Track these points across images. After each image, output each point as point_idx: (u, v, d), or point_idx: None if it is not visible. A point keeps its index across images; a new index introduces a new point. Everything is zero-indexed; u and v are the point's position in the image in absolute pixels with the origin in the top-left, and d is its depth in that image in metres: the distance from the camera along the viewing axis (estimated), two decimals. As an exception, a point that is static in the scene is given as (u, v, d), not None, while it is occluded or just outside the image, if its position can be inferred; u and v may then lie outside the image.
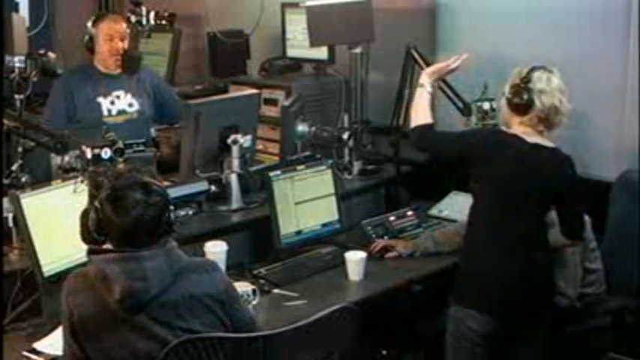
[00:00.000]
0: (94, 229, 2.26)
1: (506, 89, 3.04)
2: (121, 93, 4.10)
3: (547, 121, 2.97)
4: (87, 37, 4.08)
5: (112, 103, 4.07)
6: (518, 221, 2.96)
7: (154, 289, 2.20)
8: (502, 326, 2.96)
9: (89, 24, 4.08)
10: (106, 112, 4.05)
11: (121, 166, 2.93)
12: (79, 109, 4.03)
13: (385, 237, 3.57)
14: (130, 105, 4.10)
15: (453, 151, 3.14)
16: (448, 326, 3.04)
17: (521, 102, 2.96)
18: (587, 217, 3.37)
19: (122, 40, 4.04)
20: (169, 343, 2.16)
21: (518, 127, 3.00)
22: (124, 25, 4.06)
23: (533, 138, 2.98)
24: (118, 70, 4.09)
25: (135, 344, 2.20)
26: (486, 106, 3.63)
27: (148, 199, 2.22)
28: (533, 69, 2.99)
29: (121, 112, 4.08)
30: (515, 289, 2.96)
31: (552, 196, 3.00)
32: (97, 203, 2.24)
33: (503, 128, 3.08)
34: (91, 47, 4.09)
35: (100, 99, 4.05)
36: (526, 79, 2.97)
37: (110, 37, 4.03)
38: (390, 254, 3.46)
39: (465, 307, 2.98)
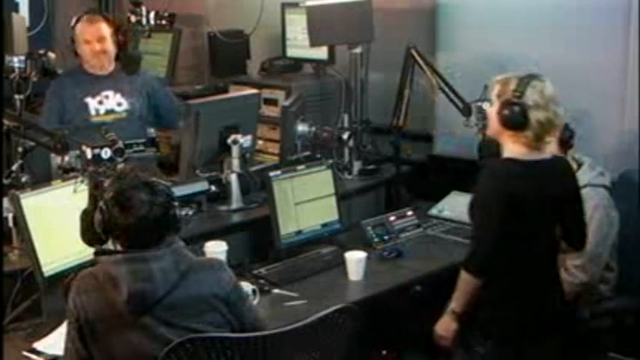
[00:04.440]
0: (100, 230, 2.27)
1: (494, 99, 2.87)
2: (109, 93, 4.07)
3: (544, 135, 2.79)
4: (70, 40, 4.06)
5: (100, 102, 4.05)
6: (537, 246, 2.84)
7: (160, 289, 2.20)
8: (516, 346, 2.87)
9: (71, 26, 4.06)
10: (93, 112, 4.03)
11: (121, 165, 2.93)
12: (68, 110, 4.03)
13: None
14: (119, 104, 4.07)
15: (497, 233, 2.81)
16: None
17: (515, 119, 2.77)
18: (616, 213, 3.37)
19: (100, 41, 4.00)
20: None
21: (512, 146, 2.82)
22: (102, 25, 4.02)
23: (528, 154, 2.81)
24: (103, 71, 4.08)
25: (140, 344, 2.21)
26: (486, 106, 3.61)
27: (153, 199, 2.23)
28: (523, 79, 2.80)
29: (109, 112, 4.05)
30: (533, 312, 2.85)
31: (561, 207, 2.87)
32: (102, 204, 2.25)
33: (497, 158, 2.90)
34: (74, 50, 4.07)
35: (88, 99, 4.03)
36: (518, 93, 2.76)
37: (87, 41, 4.01)
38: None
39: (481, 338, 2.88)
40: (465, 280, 2.85)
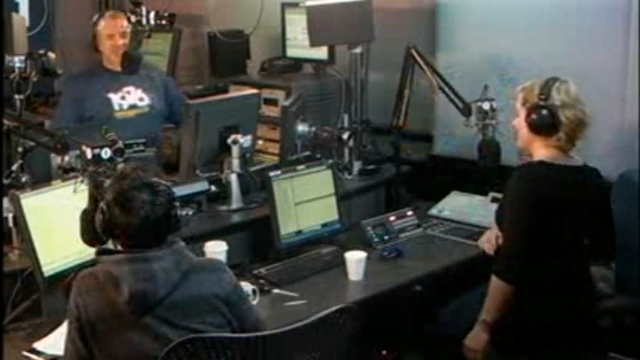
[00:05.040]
0: (101, 230, 2.27)
1: (519, 109, 2.82)
2: (131, 88, 4.15)
3: (575, 137, 2.76)
4: (91, 37, 4.12)
5: (123, 98, 4.14)
6: (567, 251, 2.80)
7: (161, 290, 2.21)
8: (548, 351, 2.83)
9: (92, 23, 4.12)
10: (117, 107, 4.11)
11: (121, 165, 2.93)
12: (89, 107, 4.07)
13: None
14: (141, 99, 4.16)
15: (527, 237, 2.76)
16: None
17: (546, 122, 2.73)
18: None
19: (123, 37, 4.08)
20: None
21: (543, 151, 2.79)
22: (124, 22, 4.09)
23: (560, 159, 2.78)
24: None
25: (141, 344, 2.21)
26: (486, 106, 3.61)
27: (154, 199, 2.23)
28: (547, 82, 2.78)
29: (132, 107, 4.14)
30: (563, 318, 2.82)
31: (588, 216, 2.84)
32: (103, 204, 2.25)
33: (525, 158, 2.86)
34: (95, 46, 4.14)
35: (111, 95, 4.11)
36: (544, 95, 2.74)
37: (110, 36, 4.09)
38: None
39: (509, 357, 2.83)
40: (498, 287, 2.78)
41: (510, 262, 2.78)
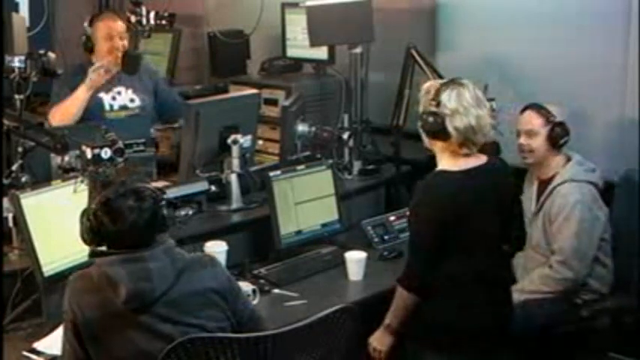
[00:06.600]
0: (90, 237, 2.27)
1: (421, 112, 2.76)
2: (122, 89, 4.14)
3: (469, 141, 2.69)
4: (84, 37, 4.11)
5: (114, 98, 4.12)
6: (481, 256, 2.75)
7: (159, 288, 2.21)
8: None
9: (86, 24, 4.12)
10: (107, 107, 4.09)
11: (121, 165, 2.93)
12: None
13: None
14: (132, 100, 4.14)
15: (433, 245, 2.72)
16: None
17: (434, 128, 2.68)
18: (603, 210, 3.35)
19: (121, 38, 4.08)
20: (174, 339, 2.17)
21: (444, 156, 2.74)
22: (122, 23, 4.09)
23: (461, 164, 2.72)
24: (117, 68, 4.10)
25: (140, 343, 2.21)
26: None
27: (140, 205, 2.23)
28: (440, 87, 2.70)
29: (122, 108, 4.13)
30: (483, 322, 2.78)
31: (503, 210, 2.80)
32: (90, 214, 2.25)
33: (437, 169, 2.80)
34: (89, 47, 4.11)
35: (102, 94, 4.08)
36: (435, 102, 2.67)
37: (109, 37, 4.07)
38: None
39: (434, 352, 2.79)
40: (402, 297, 2.78)
41: (410, 274, 2.78)
